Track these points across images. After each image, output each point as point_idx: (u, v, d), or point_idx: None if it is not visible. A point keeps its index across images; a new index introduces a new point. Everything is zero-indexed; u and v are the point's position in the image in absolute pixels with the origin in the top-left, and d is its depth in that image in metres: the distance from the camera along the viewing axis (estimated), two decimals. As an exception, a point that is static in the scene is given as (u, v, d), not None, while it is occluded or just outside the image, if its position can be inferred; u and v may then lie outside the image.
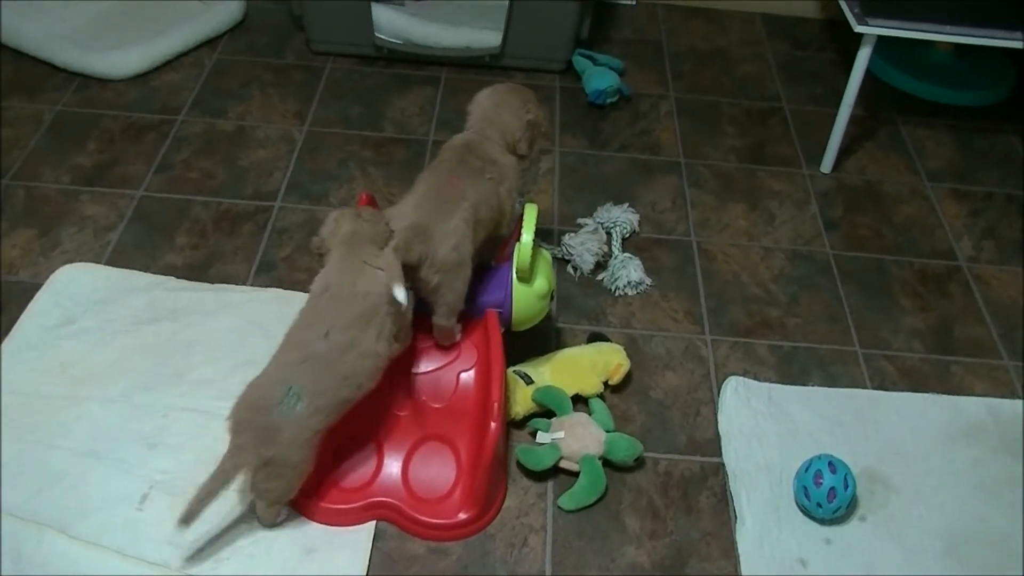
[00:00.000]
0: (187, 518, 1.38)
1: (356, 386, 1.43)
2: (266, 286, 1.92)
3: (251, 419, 1.39)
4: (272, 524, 1.50)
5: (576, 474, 1.60)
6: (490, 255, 1.70)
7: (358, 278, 1.45)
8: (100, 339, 1.76)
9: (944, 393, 1.84)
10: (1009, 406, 1.81)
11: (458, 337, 1.62)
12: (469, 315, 1.63)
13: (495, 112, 1.69)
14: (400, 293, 1.42)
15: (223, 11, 2.65)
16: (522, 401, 1.67)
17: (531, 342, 1.79)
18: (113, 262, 1.94)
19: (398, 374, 1.60)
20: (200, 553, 1.46)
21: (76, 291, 1.85)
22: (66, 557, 1.43)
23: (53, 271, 1.88)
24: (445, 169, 1.61)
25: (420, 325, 1.60)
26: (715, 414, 1.76)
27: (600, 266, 2.02)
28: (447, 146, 1.67)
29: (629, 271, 1.98)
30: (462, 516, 1.51)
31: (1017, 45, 2.18)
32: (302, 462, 1.42)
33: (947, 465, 1.70)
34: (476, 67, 2.61)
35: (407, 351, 1.60)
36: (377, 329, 1.44)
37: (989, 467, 1.70)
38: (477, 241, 1.57)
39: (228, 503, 1.51)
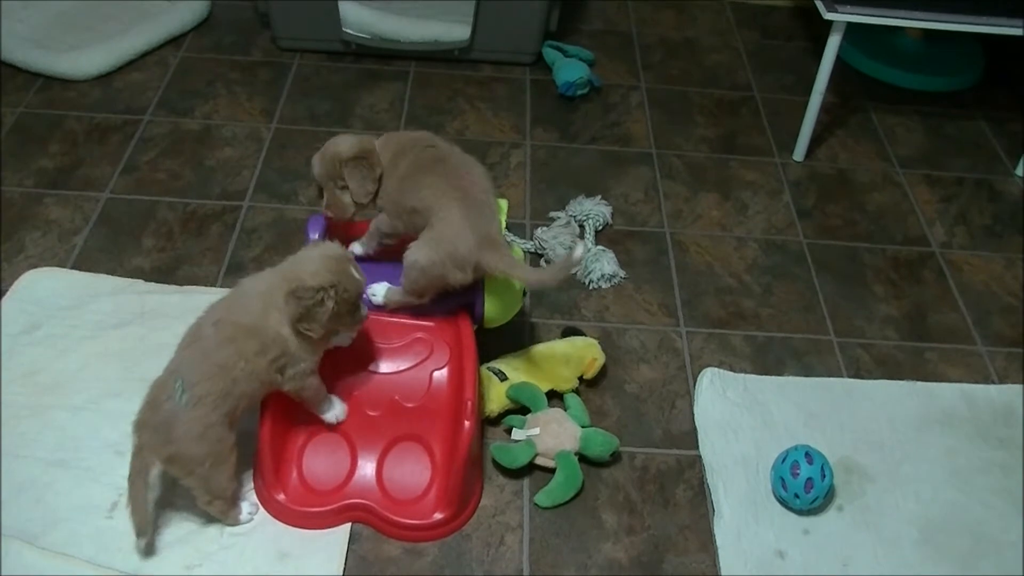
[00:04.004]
0: (140, 531, 1.38)
1: (232, 379, 1.38)
2: (235, 287, 1.89)
3: (149, 418, 1.38)
4: (234, 522, 1.49)
5: (552, 471, 1.59)
6: None
7: (268, 312, 1.39)
8: (66, 345, 1.73)
9: (919, 380, 1.84)
10: (982, 392, 1.82)
11: None
12: (439, 312, 1.62)
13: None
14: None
15: (187, 9, 2.61)
16: (496, 398, 1.66)
17: (504, 338, 1.77)
18: (79, 266, 1.91)
19: (369, 374, 1.58)
20: (172, 561, 1.44)
21: (41, 297, 1.82)
22: (34, 569, 1.40)
23: (17, 277, 1.85)
24: (443, 172, 1.54)
25: (398, 329, 1.59)
26: (691, 407, 1.75)
27: (573, 260, 2.01)
28: (405, 147, 1.58)
29: (603, 264, 1.97)
30: (438, 516, 1.50)
31: (985, 30, 2.18)
32: (208, 456, 1.39)
33: (922, 453, 1.70)
34: (445, 61, 2.59)
35: (376, 351, 1.59)
36: (260, 346, 1.39)
37: (963, 454, 1.70)
38: None
39: (200, 511, 1.49)
